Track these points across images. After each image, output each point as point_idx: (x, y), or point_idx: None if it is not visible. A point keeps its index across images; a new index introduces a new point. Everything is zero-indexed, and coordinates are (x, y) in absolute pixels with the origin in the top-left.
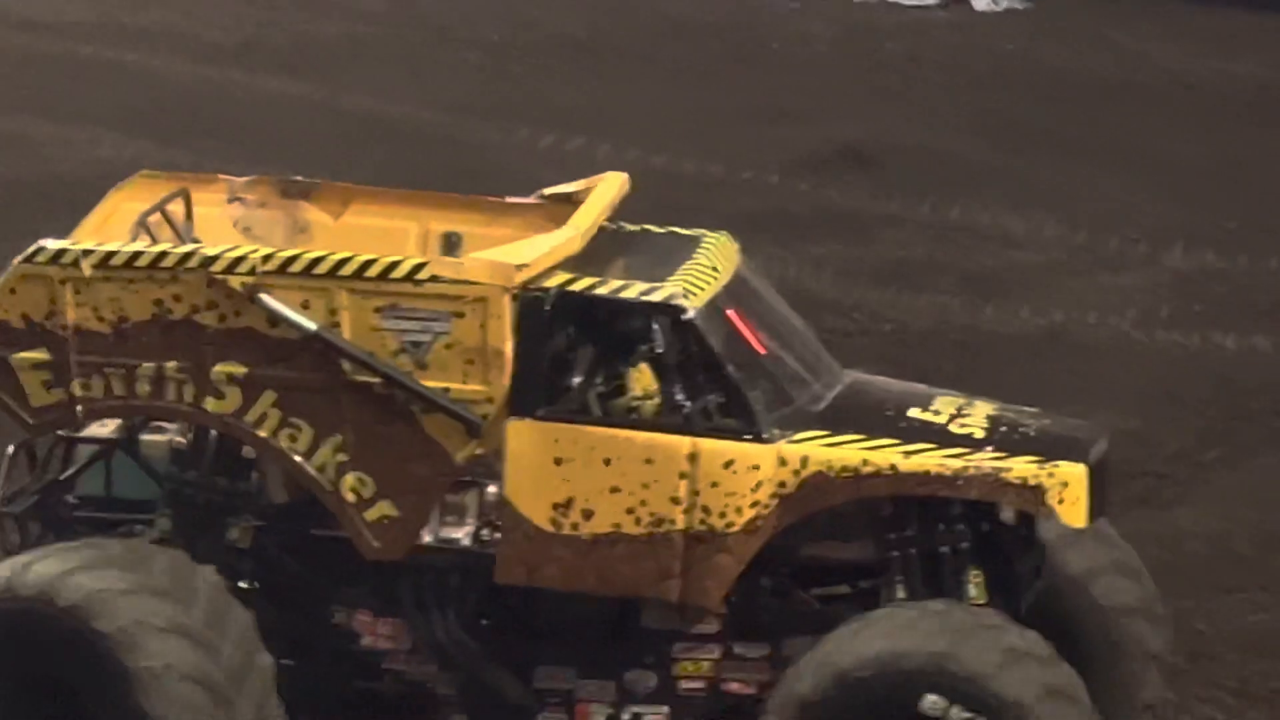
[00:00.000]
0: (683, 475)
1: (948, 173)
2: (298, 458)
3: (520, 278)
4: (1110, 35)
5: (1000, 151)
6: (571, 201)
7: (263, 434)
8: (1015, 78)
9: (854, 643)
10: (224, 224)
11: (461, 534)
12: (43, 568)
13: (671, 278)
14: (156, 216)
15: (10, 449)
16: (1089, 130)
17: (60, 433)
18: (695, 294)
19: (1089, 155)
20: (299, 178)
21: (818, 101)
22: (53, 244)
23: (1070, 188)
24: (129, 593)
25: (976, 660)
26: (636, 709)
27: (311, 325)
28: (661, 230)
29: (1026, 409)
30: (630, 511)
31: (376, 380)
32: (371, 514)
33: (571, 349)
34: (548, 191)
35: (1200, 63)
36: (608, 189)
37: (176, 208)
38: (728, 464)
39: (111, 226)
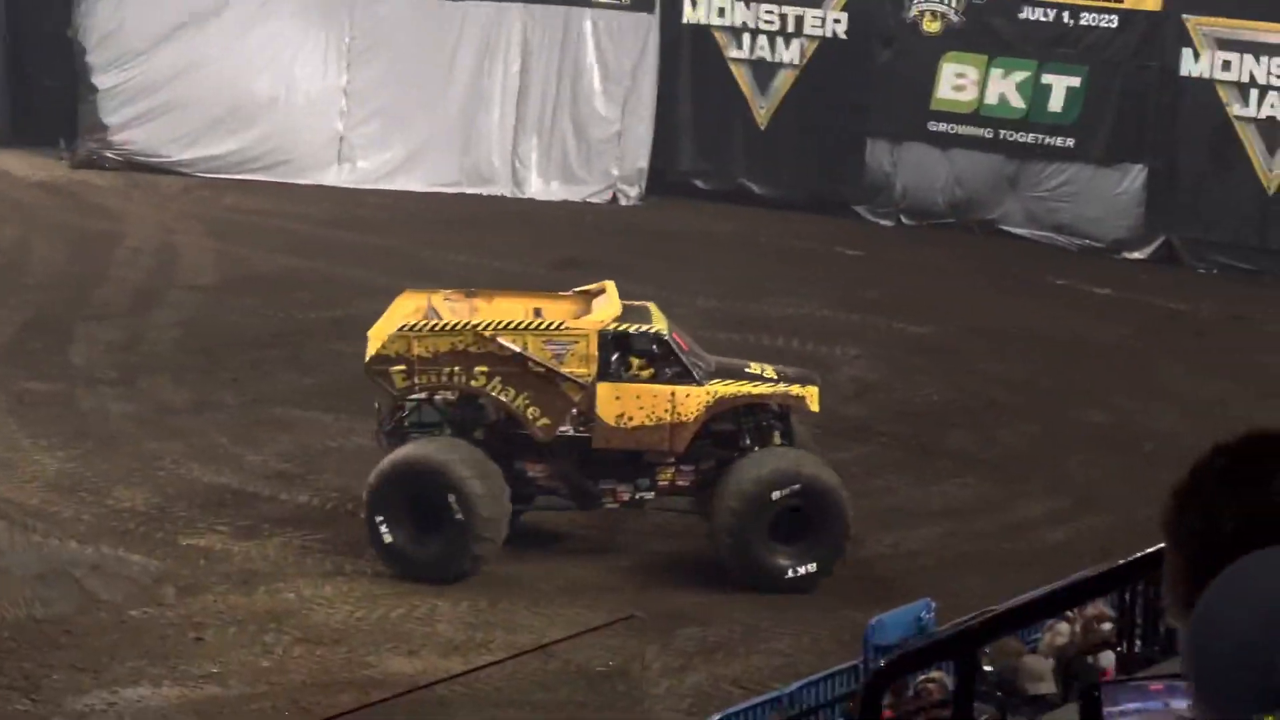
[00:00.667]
0: (668, 399)
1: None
2: (508, 401)
3: (599, 326)
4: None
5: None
6: (590, 294)
7: (493, 393)
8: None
9: (748, 468)
10: (445, 308)
11: (569, 429)
12: (416, 448)
13: (651, 321)
14: (427, 303)
15: (377, 404)
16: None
17: (410, 398)
18: (663, 325)
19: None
20: (470, 289)
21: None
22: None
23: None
24: (452, 457)
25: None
26: (641, 494)
27: (517, 348)
28: (636, 304)
29: (781, 366)
30: (647, 416)
31: (543, 369)
32: (539, 423)
33: (618, 354)
34: (577, 289)
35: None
36: (611, 289)
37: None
38: (685, 395)
39: (402, 313)
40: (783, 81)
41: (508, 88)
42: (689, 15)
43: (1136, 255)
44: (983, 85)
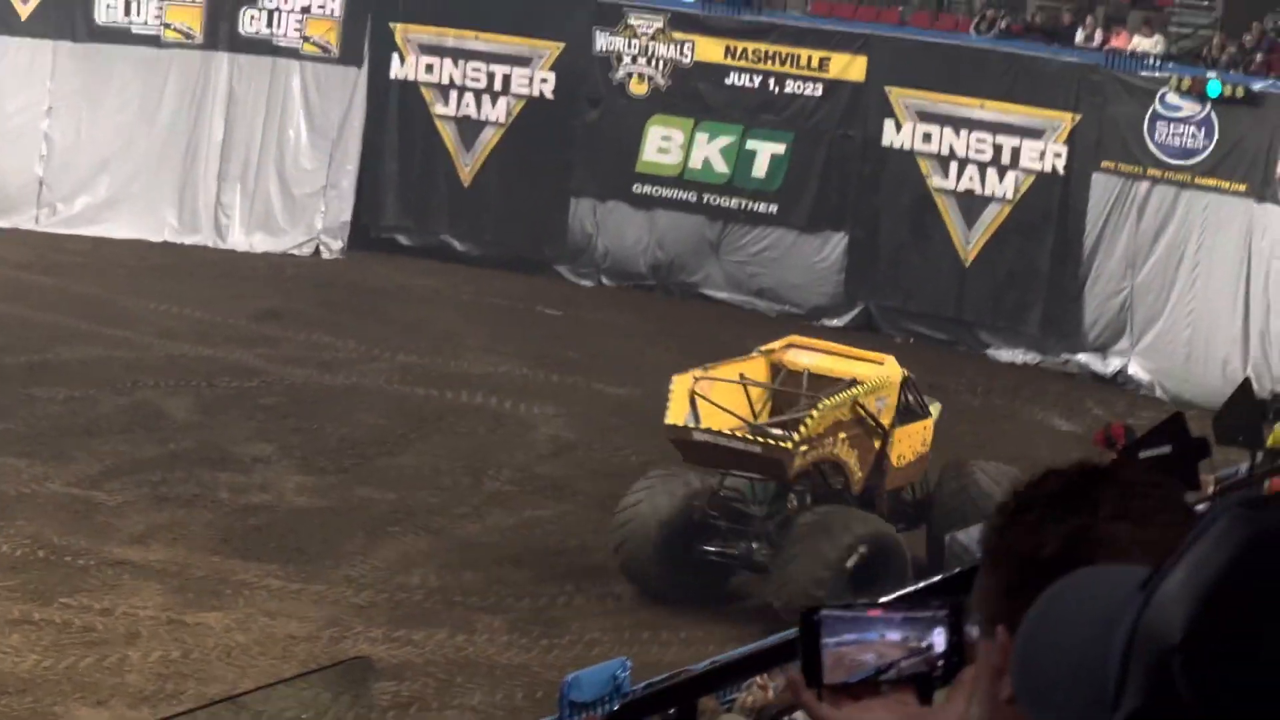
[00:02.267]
0: (922, 433)
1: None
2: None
3: (901, 376)
4: (378, 269)
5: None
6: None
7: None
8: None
9: None
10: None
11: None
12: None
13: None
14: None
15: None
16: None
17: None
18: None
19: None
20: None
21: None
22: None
23: None
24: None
25: None
26: None
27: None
28: None
29: None
30: (914, 452)
31: (874, 424)
32: (856, 478)
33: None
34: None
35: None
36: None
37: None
38: (924, 428)
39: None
40: (488, 139)
41: (213, 138)
42: (397, 71)
43: (835, 322)
44: (688, 149)
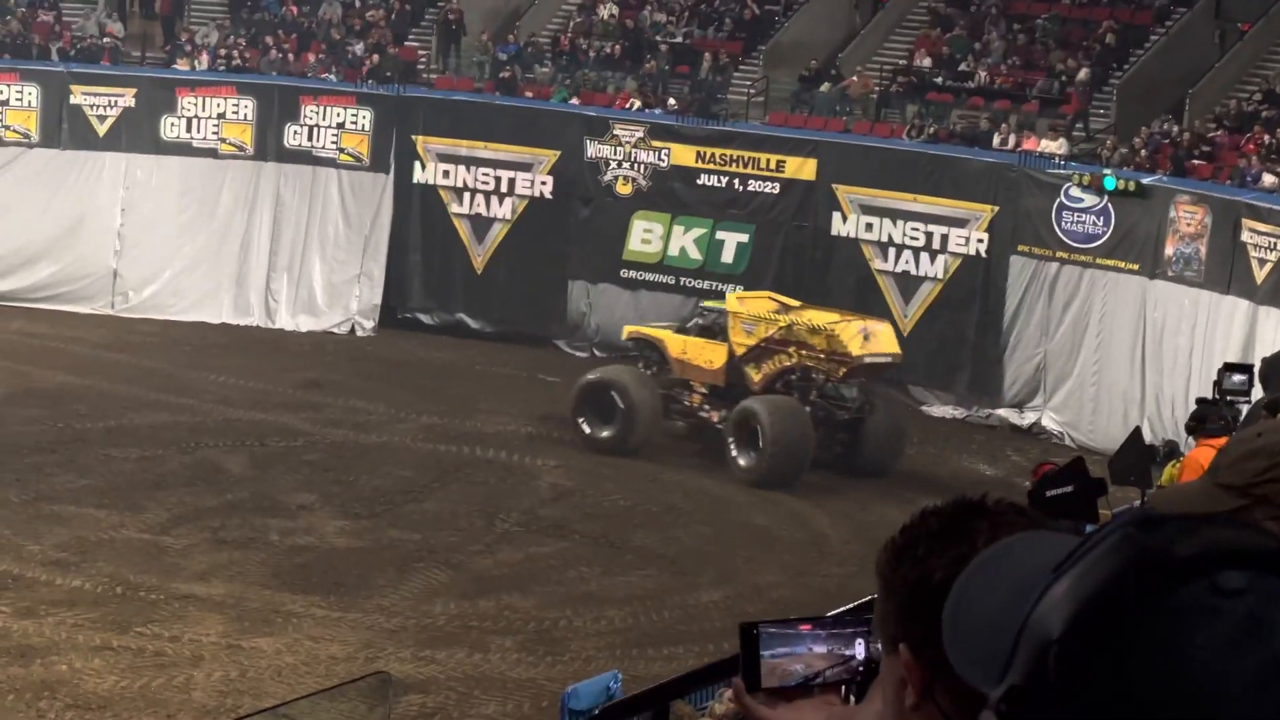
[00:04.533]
0: None
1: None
2: None
3: None
4: (404, 344)
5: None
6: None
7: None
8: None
9: None
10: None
11: None
12: None
13: None
14: None
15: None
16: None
17: None
18: None
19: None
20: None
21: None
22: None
23: None
24: None
25: None
26: None
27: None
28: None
29: None
30: None
31: None
32: None
33: None
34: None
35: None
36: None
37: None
38: None
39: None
40: (497, 233)
41: (263, 234)
42: (419, 176)
43: None
44: (666, 239)
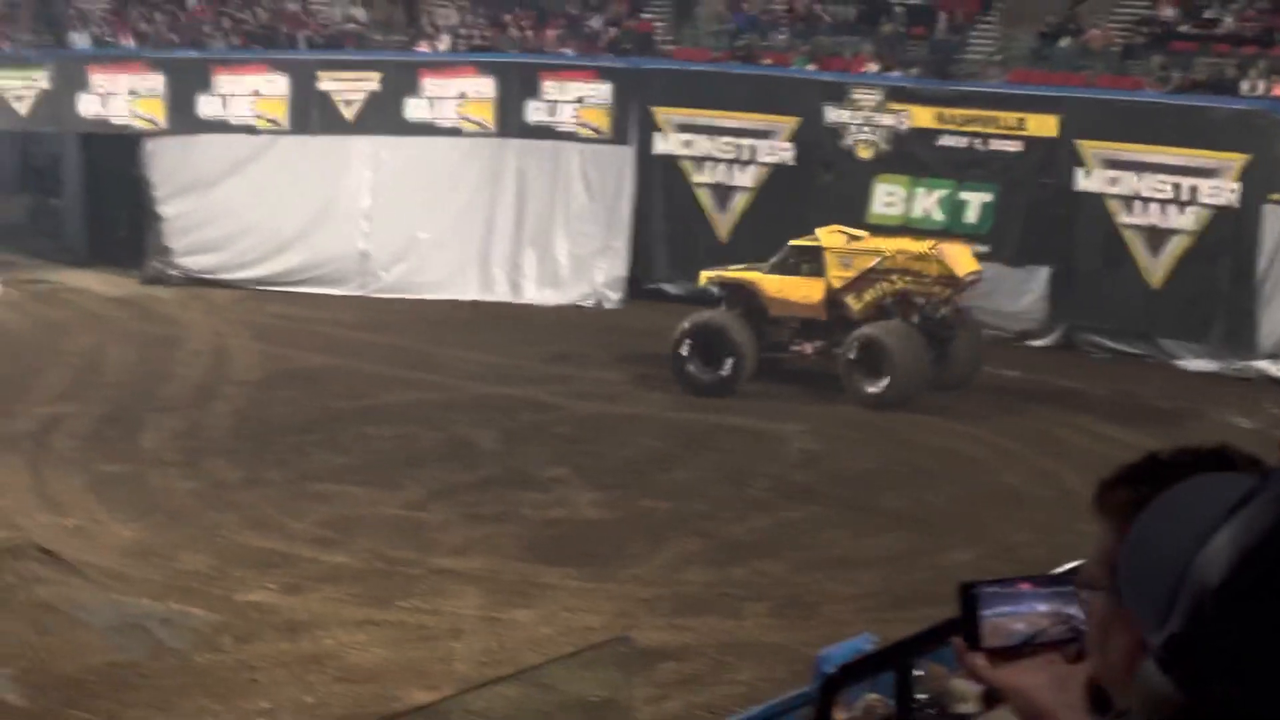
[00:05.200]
0: None
1: None
2: None
3: None
4: (650, 315)
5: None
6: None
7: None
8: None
9: None
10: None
11: None
12: None
13: None
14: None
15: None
16: None
17: None
18: None
19: None
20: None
21: None
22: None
23: None
24: None
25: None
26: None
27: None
28: None
29: None
30: None
31: None
32: None
33: None
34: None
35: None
36: None
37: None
38: None
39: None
40: (740, 201)
41: (507, 210)
42: (659, 147)
43: (1040, 343)
44: (909, 201)
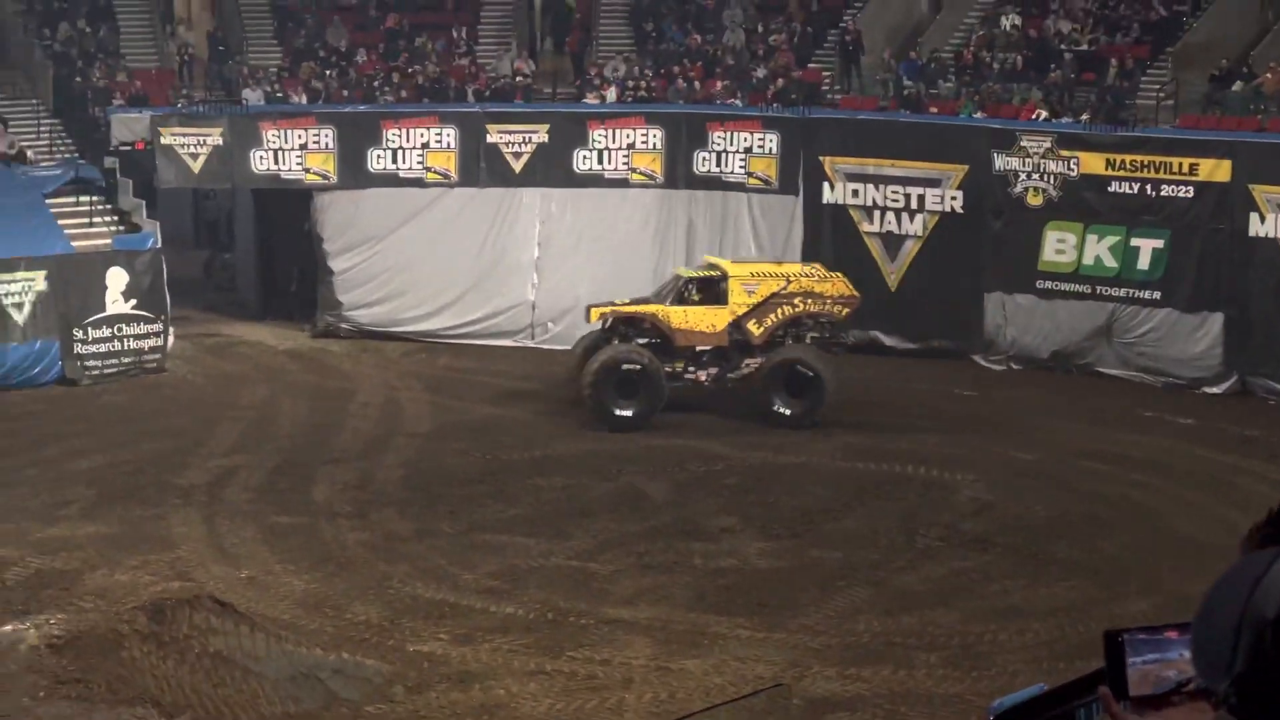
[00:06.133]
0: None
1: None
2: None
3: None
4: None
5: None
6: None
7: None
8: None
9: None
10: None
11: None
12: None
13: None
14: None
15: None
16: None
17: None
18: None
19: None
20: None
21: None
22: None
23: None
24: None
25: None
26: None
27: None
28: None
29: None
30: None
31: None
32: None
33: None
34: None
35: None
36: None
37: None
38: None
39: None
40: (909, 249)
41: (676, 260)
42: (828, 196)
43: (1214, 390)
44: (1080, 248)
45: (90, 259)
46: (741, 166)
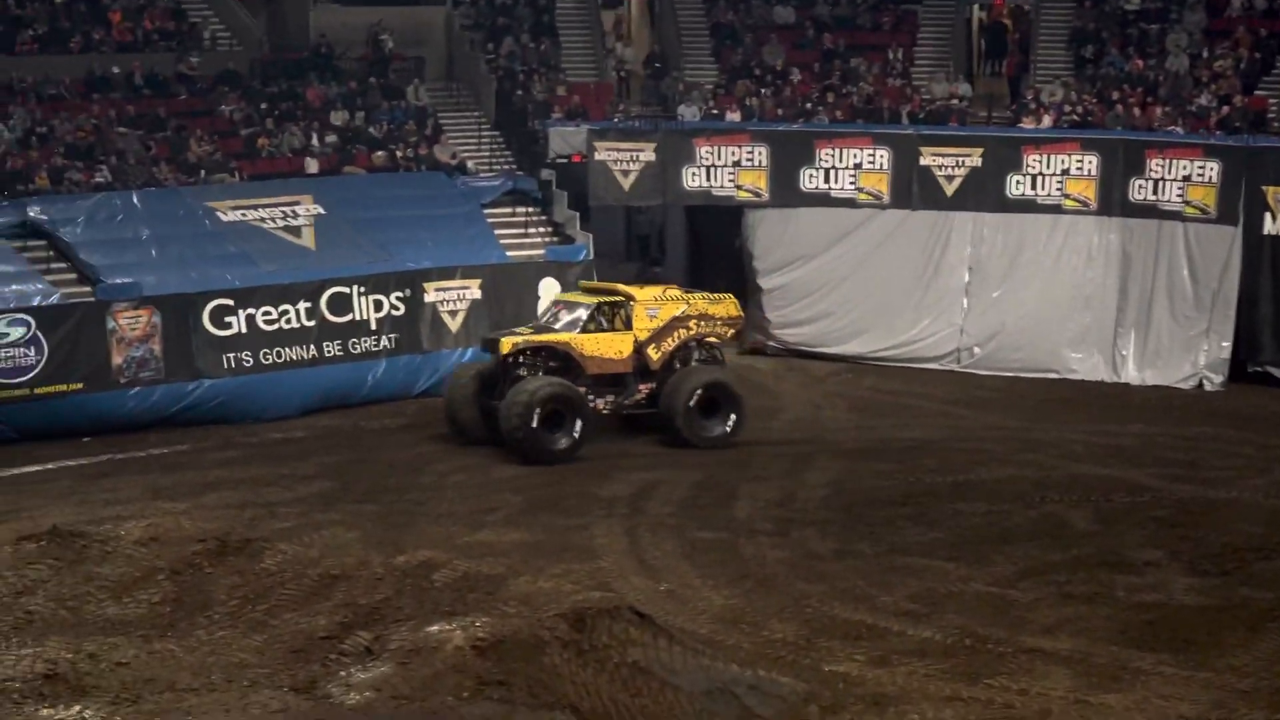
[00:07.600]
0: None
1: None
2: None
3: None
4: (1254, 399)
5: None
6: None
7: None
8: None
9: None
10: None
11: None
12: None
13: None
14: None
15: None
16: None
17: None
18: None
19: None
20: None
21: None
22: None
23: None
24: None
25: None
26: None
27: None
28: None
29: None
30: None
31: None
32: None
33: None
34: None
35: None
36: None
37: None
38: None
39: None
40: None
41: (1109, 289)
42: (1269, 227)
43: None
44: None
45: (524, 269)
46: (1179, 195)
